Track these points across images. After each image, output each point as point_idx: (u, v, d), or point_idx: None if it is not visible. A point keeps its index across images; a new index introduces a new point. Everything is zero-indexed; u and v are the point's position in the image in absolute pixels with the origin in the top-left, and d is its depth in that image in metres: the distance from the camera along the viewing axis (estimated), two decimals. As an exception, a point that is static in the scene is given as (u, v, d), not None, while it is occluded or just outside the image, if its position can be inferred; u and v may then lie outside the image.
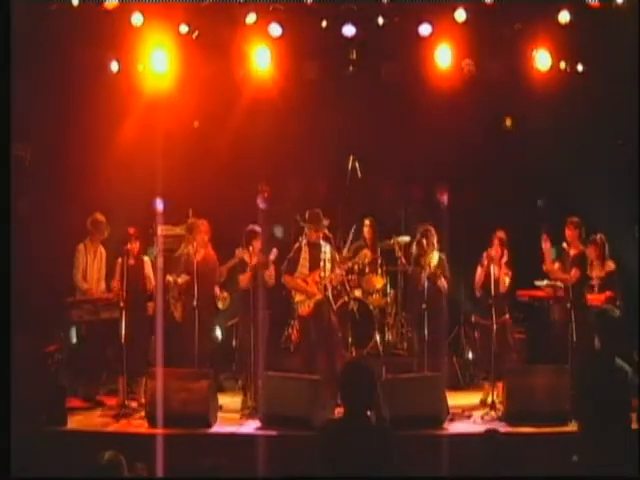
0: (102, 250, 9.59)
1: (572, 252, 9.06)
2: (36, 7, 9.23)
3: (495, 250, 8.93)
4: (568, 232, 9.07)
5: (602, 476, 5.56)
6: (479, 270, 9.01)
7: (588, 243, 9.32)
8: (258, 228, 9.07)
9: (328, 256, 8.90)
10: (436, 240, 9.12)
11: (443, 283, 9.02)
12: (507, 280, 8.94)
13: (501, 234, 9.02)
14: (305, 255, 8.92)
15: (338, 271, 8.95)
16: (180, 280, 9.01)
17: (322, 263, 8.85)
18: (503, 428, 8.00)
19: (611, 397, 5.68)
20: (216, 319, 9.91)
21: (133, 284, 8.94)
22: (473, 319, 9.45)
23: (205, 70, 9.97)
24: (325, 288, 8.82)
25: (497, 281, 8.81)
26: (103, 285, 9.57)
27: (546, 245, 9.06)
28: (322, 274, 8.82)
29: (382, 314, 10.69)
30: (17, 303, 7.08)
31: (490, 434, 5.44)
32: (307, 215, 9.00)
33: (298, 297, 8.98)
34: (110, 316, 9.07)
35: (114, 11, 9.49)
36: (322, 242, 8.97)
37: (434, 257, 9.10)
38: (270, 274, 8.95)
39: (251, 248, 8.89)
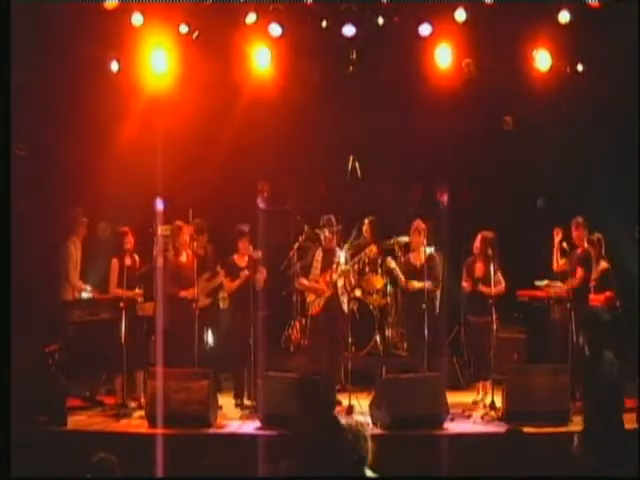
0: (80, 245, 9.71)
1: (578, 252, 9.06)
2: (36, 7, 9.22)
3: (474, 246, 8.97)
4: (575, 233, 9.08)
5: (602, 476, 5.56)
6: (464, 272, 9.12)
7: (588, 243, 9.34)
8: (245, 228, 9.09)
9: (342, 260, 9.01)
10: (424, 236, 9.15)
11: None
12: (494, 280, 8.83)
13: (484, 233, 9.04)
14: (318, 258, 9.10)
15: (350, 276, 9.09)
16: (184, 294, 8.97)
17: (335, 266, 8.96)
18: (503, 428, 8.01)
19: (604, 393, 5.73)
20: (213, 319, 9.90)
21: (132, 284, 8.93)
22: (471, 319, 9.47)
23: (205, 70, 9.97)
24: (335, 287, 8.90)
25: (477, 279, 8.85)
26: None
27: (558, 238, 9.13)
28: (334, 275, 8.93)
29: (382, 314, 10.68)
30: (17, 303, 7.08)
31: (512, 431, 5.47)
32: (321, 221, 9.17)
33: (310, 297, 9.15)
34: (110, 316, 9.07)
35: (114, 11, 9.50)
36: (337, 248, 9.13)
37: (422, 253, 9.17)
38: (260, 277, 8.94)
39: (240, 249, 8.95)
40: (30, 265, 9.30)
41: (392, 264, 9.52)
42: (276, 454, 7.32)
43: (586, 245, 9.07)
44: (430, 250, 9.32)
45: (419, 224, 9.25)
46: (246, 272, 8.88)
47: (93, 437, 7.90)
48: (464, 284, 9.13)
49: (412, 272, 9.19)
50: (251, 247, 9.01)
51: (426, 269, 9.03)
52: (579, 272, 8.91)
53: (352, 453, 4.49)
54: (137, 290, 8.98)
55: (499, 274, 8.93)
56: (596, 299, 9.07)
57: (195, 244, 9.13)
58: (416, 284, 9.05)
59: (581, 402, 6.66)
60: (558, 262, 9.36)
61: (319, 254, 9.12)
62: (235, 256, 9.08)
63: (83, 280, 9.66)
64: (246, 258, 8.99)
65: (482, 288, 8.87)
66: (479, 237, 9.05)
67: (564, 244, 9.10)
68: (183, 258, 9.05)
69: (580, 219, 9.12)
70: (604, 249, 9.35)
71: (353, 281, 9.32)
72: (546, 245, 9.88)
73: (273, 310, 10.17)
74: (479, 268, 9.00)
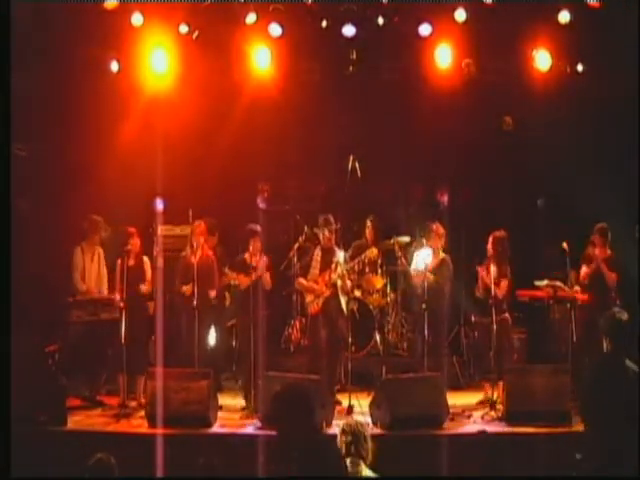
0: (100, 251, 9.58)
1: (601, 256, 9.05)
2: (36, 7, 9.23)
3: (488, 250, 8.95)
4: (597, 238, 9.06)
5: (602, 476, 5.55)
6: (480, 272, 9.04)
7: (586, 243, 9.33)
8: (258, 227, 9.09)
9: (341, 260, 8.98)
10: (444, 241, 9.13)
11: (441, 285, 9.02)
12: (503, 280, 8.84)
13: (496, 233, 9.01)
14: (317, 258, 9.07)
15: (348, 278, 9.08)
16: (185, 288, 9.02)
17: (333, 266, 8.94)
18: (503, 428, 8.02)
19: (621, 399, 5.67)
20: (215, 319, 9.92)
21: (133, 284, 8.94)
22: (473, 319, 9.47)
23: (205, 70, 9.97)
24: (335, 287, 8.89)
25: (493, 280, 8.84)
26: (103, 286, 9.56)
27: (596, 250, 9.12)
28: (333, 275, 8.90)
29: (382, 314, 10.68)
30: (17, 303, 7.08)
31: (482, 434, 5.45)
32: (319, 220, 9.14)
33: (308, 298, 9.12)
34: (110, 316, 9.07)
35: (114, 11, 9.50)
36: (335, 248, 9.11)
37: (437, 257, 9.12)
38: (267, 278, 8.96)
39: (250, 248, 8.93)
40: (30, 265, 9.31)
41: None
42: (276, 454, 7.36)
43: (609, 251, 9.08)
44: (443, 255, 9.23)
45: (439, 228, 9.15)
46: (259, 272, 8.88)
47: (93, 437, 7.89)
48: (478, 287, 9.07)
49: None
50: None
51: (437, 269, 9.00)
52: (614, 276, 8.94)
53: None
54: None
55: (505, 279, 8.87)
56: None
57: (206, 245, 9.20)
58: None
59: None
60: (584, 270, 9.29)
61: (318, 253, 9.10)
62: (246, 255, 9.05)
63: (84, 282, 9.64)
64: (257, 258, 8.97)
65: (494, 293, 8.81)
66: (490, 239, 8.99)
67: (564, 244, 9.07)
68: (195, 257, 9.06)
69: (602, 225, 9.11)
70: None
71: (350, 283, 9.27)
72: (546, 245, 9.88)
73: (273, 310, 10.17)
74: (490, 270, 8.93)
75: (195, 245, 9.07)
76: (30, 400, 7.91)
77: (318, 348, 8.97)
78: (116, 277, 9.05)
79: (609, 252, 9.09)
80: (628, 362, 5.80)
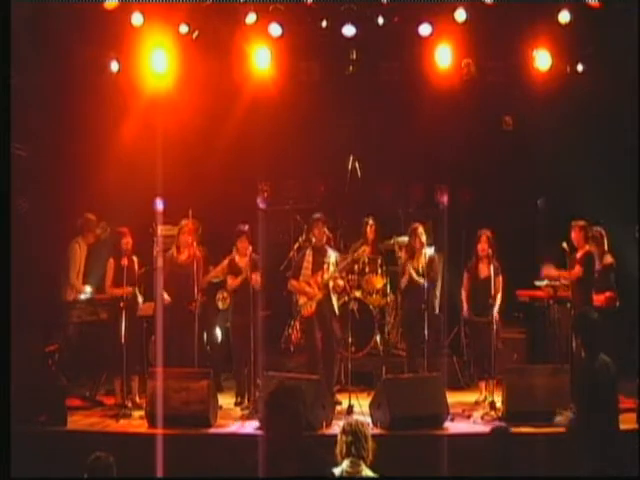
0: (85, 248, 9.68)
1: (578, 253, 9.01)
2: (36, 7, 9.23)
3: (481, 248, 8.95)
4: (574, 235, 9.03)
5: (602, 476, 5.56)
6: (465, 274, 9.12)
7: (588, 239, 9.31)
8: (245, 227, 9.08)
9: (332, 260, 8.95)
10: (424, 239, 9.14)
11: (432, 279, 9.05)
12: (497, 277, 8.84)
13: (487, 232, 9.02)
14: (309, 259, 8.99)
15: (340, 278, 9.01)
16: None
17: (325, 266, 8.90)
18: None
19: (599, 394, 5.72)
20: (214, 319, 9.93)
21: (128, 284, 8.91)
22: (472, 319, 9.46)
23: (205, 70, 9.99)
24: (327, 288, 8.87)
25: (484, 280, 8.85)
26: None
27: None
28: (325, 276, 8.86)
29: (382, 314, 10.68)
30: (17, 303, 7.09)
31: (500, 430, 5.45)
32: (310, 221, 9.11)
33: (302, 300, 9.05)
34: (110, 316, 9.06)
35: (114, 11, 9.51)
36: (327, 247, 9.08)
37: (423, 256, 9.13)
38: (256, 278, 8.92)
39: (238, 247, 8.97)
40: (30, 265, 9.31)
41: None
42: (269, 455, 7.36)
43: (587, 247, 9.03)
44: (430, 252, 9.27)
45: (418, 227, 9.18)
46: (248, 272, 8.87)
47: (93, 437, 7.89)
48: (464, 288, 9.10)
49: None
50: (250, 247, 9.00)
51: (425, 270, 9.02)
52: (577, 270, 8.87)
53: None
54: (129, 288, 8.88)
55: (499, 276, 8.89)
56: (596, 299, 9.04)
57: (195, 244, 9.18)
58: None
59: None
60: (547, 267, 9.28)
61: (309, 253, 9.01)
62: (237, 257, 9.07)
63: (85, 281, 9.63)
64: (246, 258, 8.97)
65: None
66: (484, 237, 8.98)
67: (564, 244, 9.07)
68: (182, 257, 9.07)
69: (580, 222, 9.06)
70: (607, 244, 9.32)
71: (342, 282, 9.20)
72: (546, 245, 9.87)
73: (273, 310, 10.17)
74: (484, 269, 8.94)
75: (182, 245, 9.09)
76: (30, 400, 7.91)
77: (314, 349, 8.94)
78: (109, 276, 9.04)
79: (587, 248, 8.95)
80: (603, 356, 5.83)
